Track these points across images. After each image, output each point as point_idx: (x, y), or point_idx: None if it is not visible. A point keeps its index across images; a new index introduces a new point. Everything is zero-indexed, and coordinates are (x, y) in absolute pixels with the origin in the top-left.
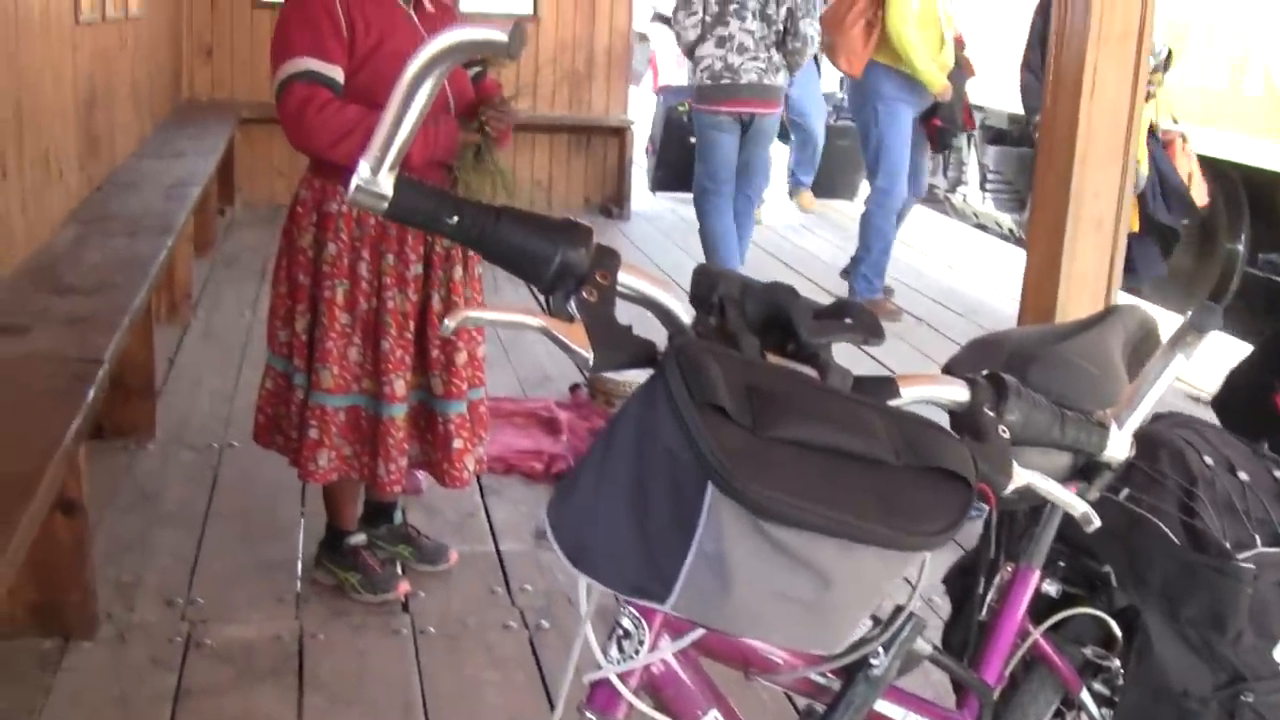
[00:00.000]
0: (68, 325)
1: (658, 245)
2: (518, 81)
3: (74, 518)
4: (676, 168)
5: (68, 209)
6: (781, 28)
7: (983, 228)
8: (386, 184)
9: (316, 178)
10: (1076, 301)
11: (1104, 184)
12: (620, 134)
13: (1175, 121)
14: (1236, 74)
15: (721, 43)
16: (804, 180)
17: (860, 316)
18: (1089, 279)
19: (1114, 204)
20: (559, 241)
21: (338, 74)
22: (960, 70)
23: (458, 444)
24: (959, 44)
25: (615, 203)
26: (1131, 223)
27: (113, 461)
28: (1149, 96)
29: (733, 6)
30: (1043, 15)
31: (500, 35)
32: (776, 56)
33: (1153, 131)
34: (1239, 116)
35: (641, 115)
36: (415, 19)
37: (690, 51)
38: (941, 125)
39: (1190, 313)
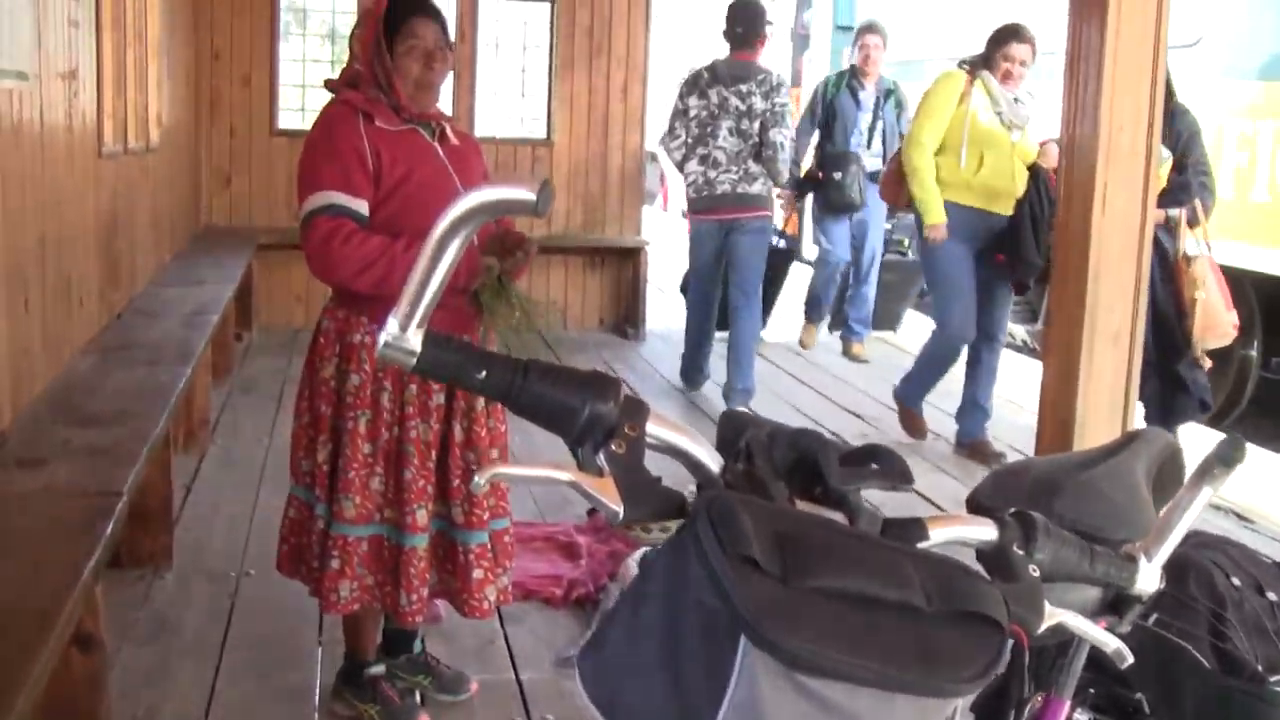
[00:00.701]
0: (87, 457)
1: (672, 365)
2: None
3: (90, 653)
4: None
5: (87, 337)
6: (757, 140)
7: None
8: (415, 340)
9: (340, 308)
10: (1095, 415)
11: (1118, 297)
12: (634, 254)
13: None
14: (1243, 182)
15: (702, 160)
16: (858, 330)
17: (888, 461)
18: (1106, 392)
19: (1129, 317)
20: (586, 395)
21: (363, 207)
22: (1041, 198)
23: (478, 574)
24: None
25: (630, 323)
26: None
27: (130, 591)
28: (1194, 224)
29: (709, 128)
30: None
31: (529, 194)
32: (754, 167)
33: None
34: (1247, 224)
35: (654, 234)
36: (440, 152)
37: (679, 168)
38: (1010, 261)
39: (1216, 444)
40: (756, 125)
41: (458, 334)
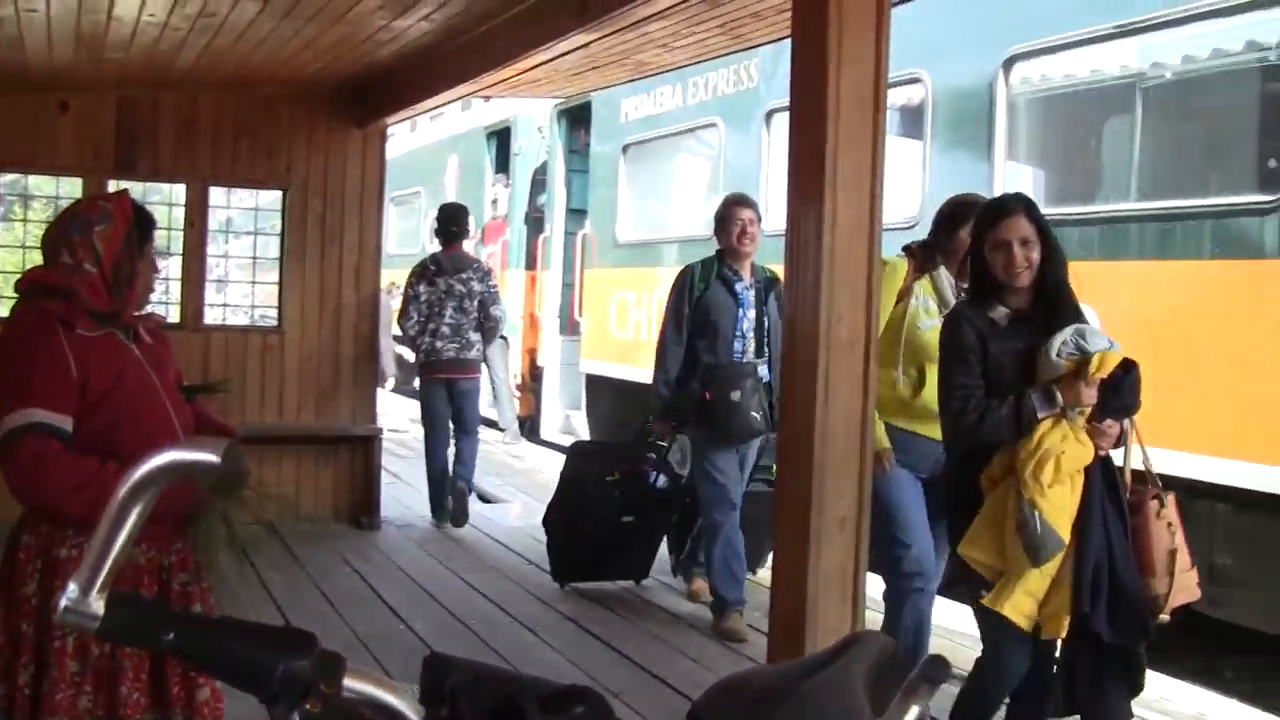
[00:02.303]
0: None
1: (410, 555)
2: (262, 396)
3: None
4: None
5: None
6: (477, 315)
7: None
8: (98, 604)
9: (42, 523)
10: (826, 599)
11: (845, 485)
12: (367, 443)
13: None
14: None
15: (433, 334)
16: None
17: (594, 703)
18: (836, 578)
19: (855, 505)
20: (281, 652)
21: (68, 424)
22: None
23: None
24: None
25: (365, 512)
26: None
27: None
28: (1120, 442)
29: (437, 308)
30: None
31: (212, 457)
32: (474, 336)
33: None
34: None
35: (388, 417)
36: (138, 354)
37: (413, 342)
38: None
39: (922, 663)
40: (477, 303)
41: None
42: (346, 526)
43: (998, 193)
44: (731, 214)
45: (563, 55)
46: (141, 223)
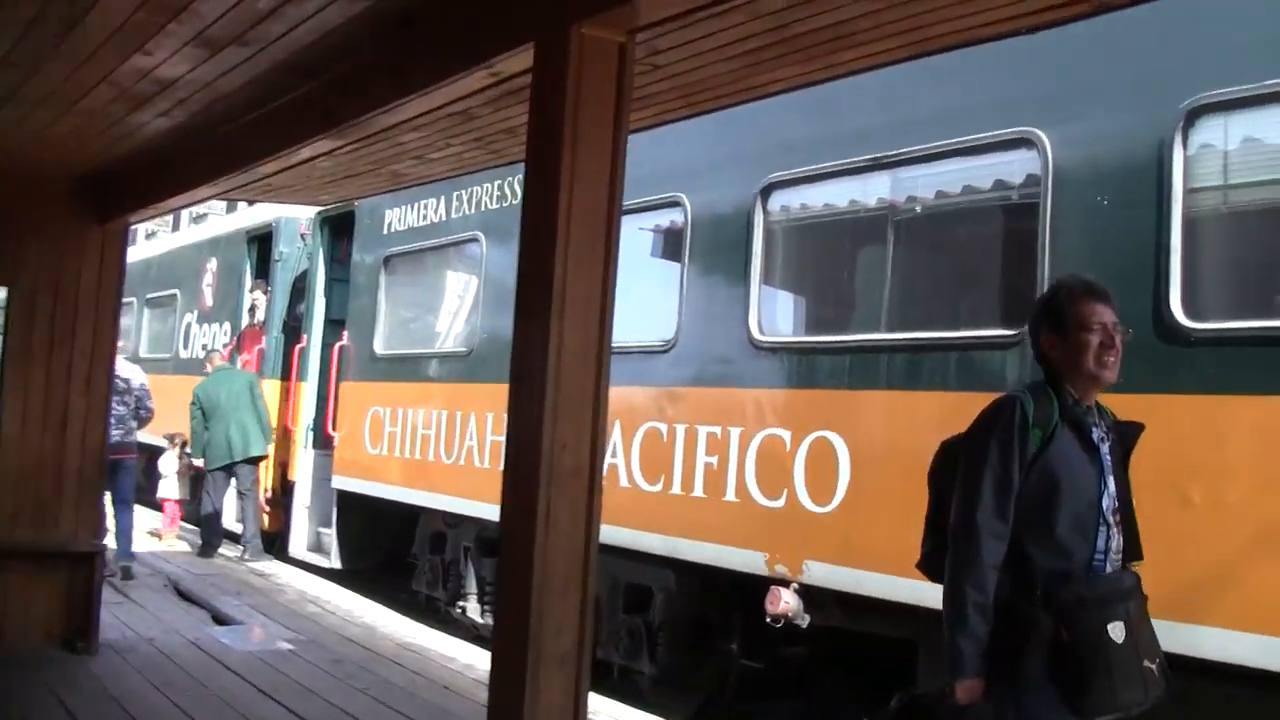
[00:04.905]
0: None
1: (128, 685)
2: None
3: None
4: None
5: None
6: (135, 407)
7: (482, 639)
8: None
9: None
10: None
11: (566, 621)
12: (88, 560)
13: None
14: (714, 486)
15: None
16: None
17: None
18: (556, 715)
19: (575, 642)
20: None
21: None
22: None
23: None
24: None
25: (81, 635)
26: None
27: None
28: None
29: (113, 399)
30: None
31: None
32: (134, 424)
33: None
34: (713, 526)
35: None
36: None
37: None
38: None
39: None
40: (134, 399)
41: None
42: (61, 651)
43: (750, 319)
44: (1087, 312)
45: (309, 161)
46: None
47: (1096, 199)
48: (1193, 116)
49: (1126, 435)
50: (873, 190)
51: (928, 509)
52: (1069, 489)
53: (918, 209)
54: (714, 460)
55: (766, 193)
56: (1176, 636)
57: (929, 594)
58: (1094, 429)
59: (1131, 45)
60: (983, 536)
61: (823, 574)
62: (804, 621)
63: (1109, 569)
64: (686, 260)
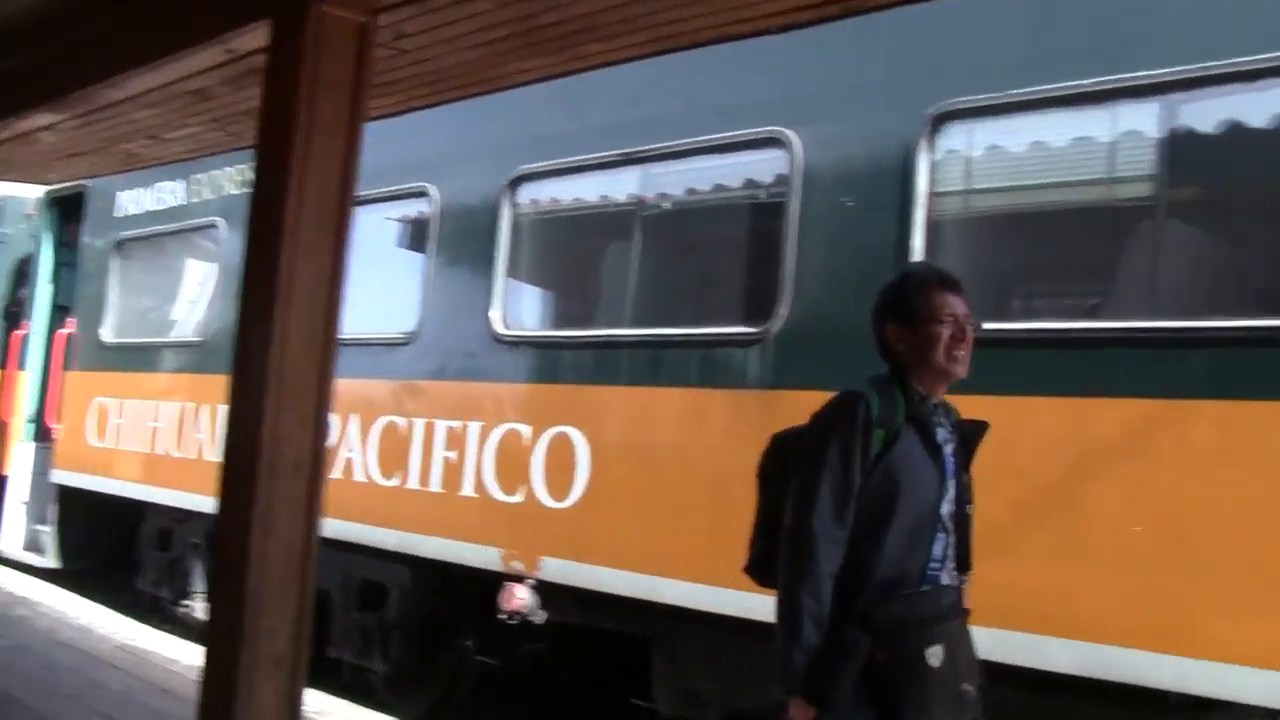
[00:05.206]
0: None
1: None
2: None
3: None
4: None
5: None
6: None
7: None
8: None
9: None
10: None
11: (282, 620)
12: None
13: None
14: (451, 480)
15: None
16: None
17: None
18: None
19: (292, 641)
20: None
21: None
22: None
23: None
24: None
25: None
26: None
27: None
28: None
29: None
30: None
31: None
32: None
33: None
34: (450, 521)
35: None
36: None
37: None
38: None
39: None
40: None
41: None
42: None
43: (494, 312)
44: (938, 302)
45: (30, 134)
46: None
47: (843, 200)
48: (939, 122)
49: (970, 436)
50: (622, 185)
51: (757, 508)
52: (910, 493)
53: (666, 205)
54: (453, 455)
55: (515, 185)
56: None
57: (665, 590)
58: (939, 429)
59: (883, 49)
60: (820, 543)
61: (558, 570)
62: (539, 618)
63: (945, 578)
64: (432, 252)
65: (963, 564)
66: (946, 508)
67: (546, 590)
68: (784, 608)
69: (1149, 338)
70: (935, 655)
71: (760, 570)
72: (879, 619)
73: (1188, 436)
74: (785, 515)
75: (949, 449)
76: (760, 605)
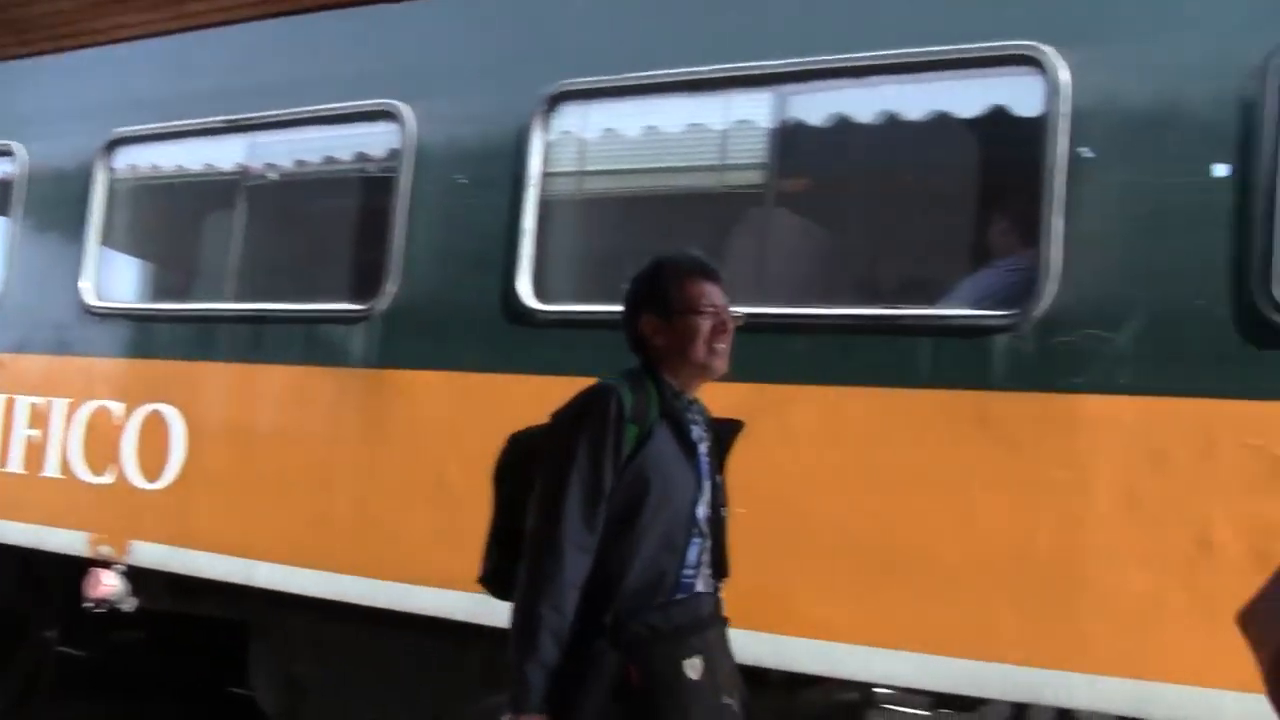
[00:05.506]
0: None
1: None
2: None
3: None
4: None
5: None
6: None
7: None
8: None
9: None
10: None
11: None
12: None
13: None
14: (34, 461)
15: None
16: None
17: None
18: None
19: None
20: None
21: None
22: None
23: None
24: None
25: None
26: None
27: None
28: None
29: None
30: None
31: None
32: None
33: None
34: (32, 504)
35: None
36: None
37: None
38: None
39: None
40: None
41: None
42: None
43: (84, 282)
44: (695, 293)
45: None
46: None
47: (456, 177)
48: (554, 102)
49: (724, 434)
50: (228, 154)
51: (493, 513)
52: (664, 495)
53: (273, 176)
54: (36, 434)
55: (111, 148)
56: None
57: (261, 574)
58: (693, 427)
59: (501, 26)
60: (566, 550)
61: (150, 555)
62: (129, 605)
63: (700, 585)
64: (18, 216)
65: (719, 570)
66: (702, 510)
67: (138, 576)
68: (520, 619)
69: (754, 324)
70: (694, 667)
71: (497, 582)
72: (631, 631)
73: (789, 421)
74: (528, 520)
75: (703, 448)
76: (361, 589)
